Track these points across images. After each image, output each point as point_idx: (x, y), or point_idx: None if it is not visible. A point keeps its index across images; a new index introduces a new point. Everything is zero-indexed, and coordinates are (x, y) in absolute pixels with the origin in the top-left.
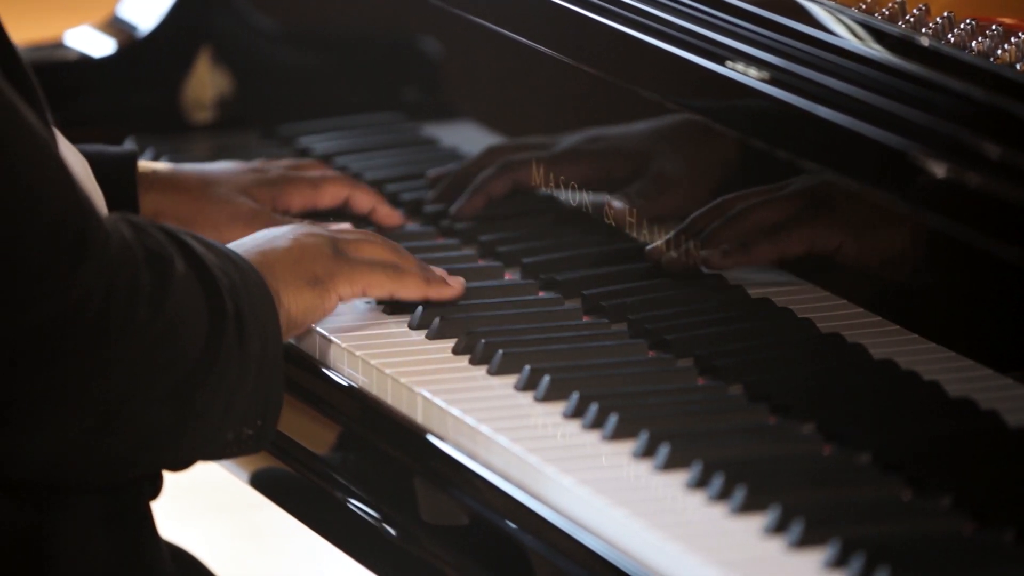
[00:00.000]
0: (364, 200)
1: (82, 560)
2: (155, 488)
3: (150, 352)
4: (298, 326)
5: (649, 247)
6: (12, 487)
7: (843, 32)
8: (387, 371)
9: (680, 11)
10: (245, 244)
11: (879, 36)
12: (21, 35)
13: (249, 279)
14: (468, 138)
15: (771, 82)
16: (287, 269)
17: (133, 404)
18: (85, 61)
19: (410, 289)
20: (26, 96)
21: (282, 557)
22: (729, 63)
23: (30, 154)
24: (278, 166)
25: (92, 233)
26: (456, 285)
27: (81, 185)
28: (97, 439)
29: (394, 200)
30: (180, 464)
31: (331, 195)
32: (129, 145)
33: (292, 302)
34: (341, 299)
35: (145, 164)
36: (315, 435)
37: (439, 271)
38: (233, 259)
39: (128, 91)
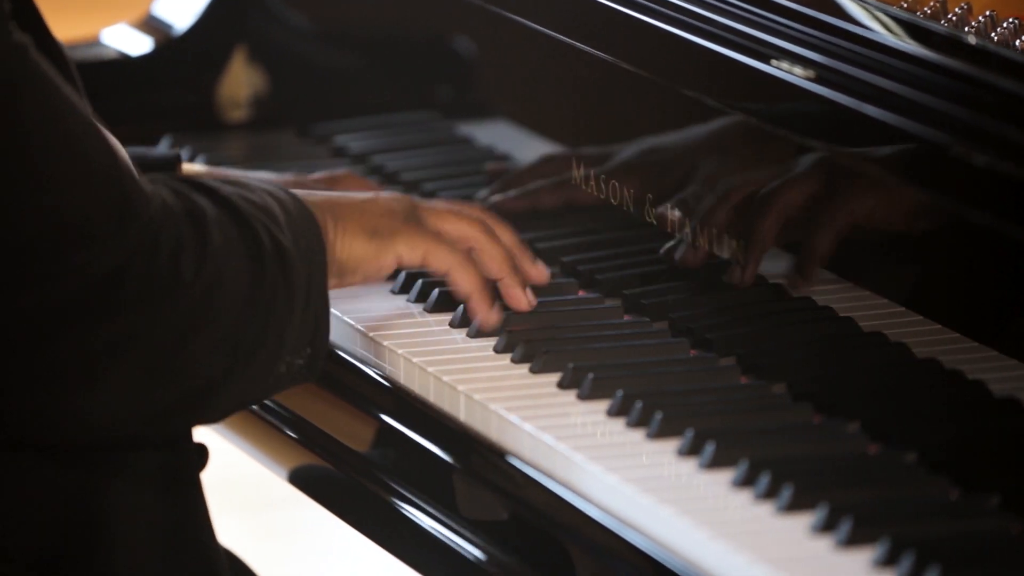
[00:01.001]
0: None
1: (136, 527)
2: (202, 458)
3: (197, 306)
4: (347, 271)
5: (667, 245)
6: (67, 454)
7: (886, 30)
8: (429, 370)
9: (723, 9)
10: (320, 192)
11: (924, 34)
12: (57, 33)
13: (293, 211)
14: (503, 137)
15: (817, 80)
16: (349, 213)
17: (184, 356)
18: (123, 60)
19: (463, 283)
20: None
21: (313, 555)
22: (774, 62)
23: (72, 122)
24: (313, 179)
25: (134, 195)
26: (496, 316)
27: (121, 152)
28: (151, 393)
29: (431, 198)
30: (230, 410)
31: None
32: (165, 144)
33: (343, 244)
34: (399, 260)
35: (186, 167)
36: (354, 432)
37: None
38: (272, 192)
39: (164, 90)
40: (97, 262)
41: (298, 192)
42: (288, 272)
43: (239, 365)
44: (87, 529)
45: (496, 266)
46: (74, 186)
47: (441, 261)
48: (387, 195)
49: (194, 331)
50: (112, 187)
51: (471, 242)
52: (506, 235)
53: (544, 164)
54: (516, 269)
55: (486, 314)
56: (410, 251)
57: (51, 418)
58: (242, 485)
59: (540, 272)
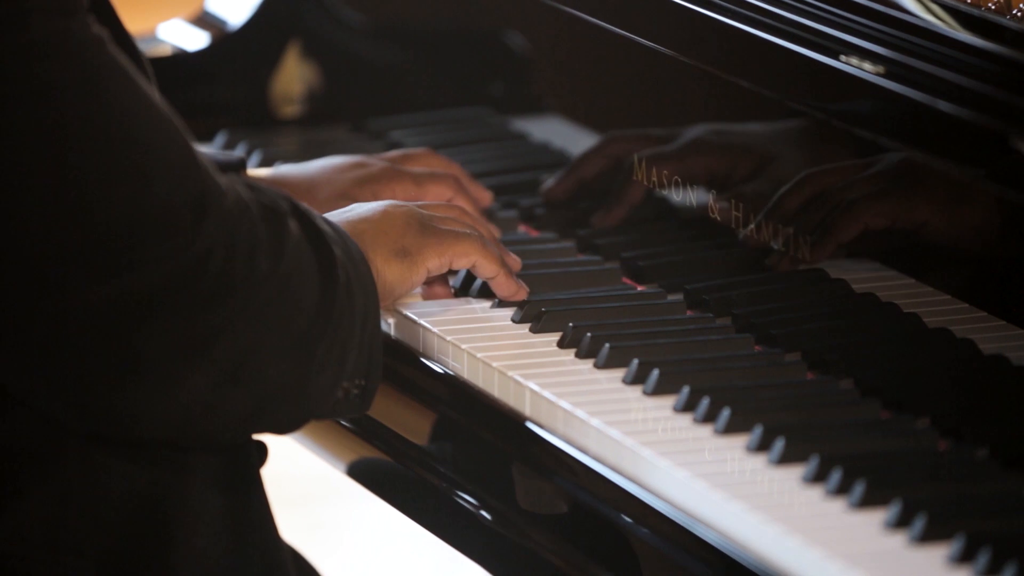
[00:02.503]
0: (467, 205)
1: (201, 523)
2: (262, 455)
3: (272, 304)
4: (387, 296)
5: (739, 237)
6: (136, 451)
7: (955, 25)
8: (494, 364)
9: (788, 4)
10: (334, 216)
11: (994, 29)
12: None
13: (347, 239)
14: (558, 133)
15: (887, 76)
16: (375, 238)
17: (258, 358)
18: (179, 55)
19: (489, 263)
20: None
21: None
22: (843, 57)
23: (149, 115)
24: (382, 159)
25: (211, 191)
26: (522, 287)
27: (196, 146)
28: (223, 394)
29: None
30: (297, 422)
31: (434, 195)
32: (220, 139)
33: (383, 270)
34: (429, 272)
35: (251, 172)
36: (415, 425)
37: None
38: (327, 220)
39: (220, 85)
40: (176, 255)
41: (328, 217)
42: (352, 294)
43: (310, 375)
44: (155, 525)
45: (492, 250)
46: (152, 178)
47: (467, 256)
48: (392, 207)
49: (268, 331)
50: (189, 180)
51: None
52: (492, 233)
53: (606, 147)
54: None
55: (513, 288)
56: (438, 261)
57: (119, 416)
58: (299, 479)
59: (515, 261)
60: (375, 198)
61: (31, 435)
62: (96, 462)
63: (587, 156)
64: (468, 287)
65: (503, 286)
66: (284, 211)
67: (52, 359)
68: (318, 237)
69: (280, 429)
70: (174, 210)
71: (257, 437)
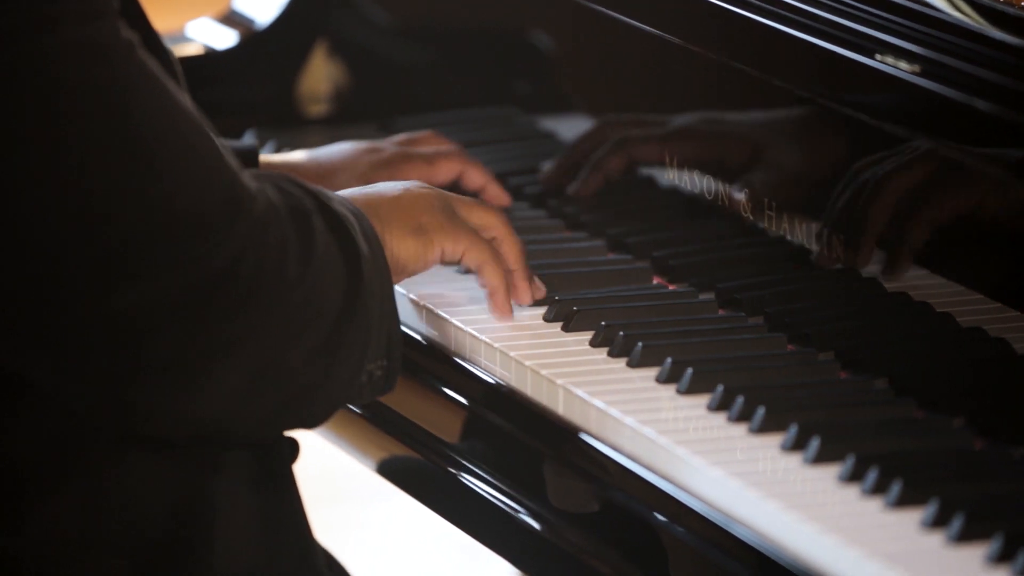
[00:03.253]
0: (476, 177)
1: (236, 520)
2: (294, 451)
3: (301, 306)
4: (400, 272)
5: (764, 236)
6: (170, 449)
7: (986, 24)
8: (527, 363)
9: (822, 3)
10: (353, 191)
11: None
12: None
13: (361, 218)
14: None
15: (923, 75)
16: (392, 213)
17: (287, 358)
18: (210, 54)
19: (490, 277)
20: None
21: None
22: (878, 56)
23: (179, 118)
24: (392, 143)
25: (241, 195)
26: (507, 312)
27: (226, 149)
28: (253, 393)
29: (517, 194)
30: (326, 414)
31: (445, 171)
32: (250, 138)
33: (392, 245)
34: (443, 255)
35: (264, 158)
36: (446, 423)
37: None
38: (343, 203)
39: (248, 84)
40: (209, 257)
41: (341, 194)
42: (370, 277)
43: (337, 367)
44: (190, 523)
45: (513, 257)
46: (183, 181)
47: (477, 256)
48: (419, 188)
49: (300, 330)
50: (220, 182)
51: (495, 230)
52: (515, 242)
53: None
54: (526, 264)
55: (506, 310)
56: (453, 246)
57: (157, 415)
58: (328, 478)
59: (506, 312)
60: (390, 180)
61: (65, 434)
62: (129, 461)
63: (606, 155)
64: None
65: (496, 304)
66: (310, 210)
67: (86, 360)
68: (343, 232)
69: (310, 423)
70: (205, 214)
71: (288, 434)
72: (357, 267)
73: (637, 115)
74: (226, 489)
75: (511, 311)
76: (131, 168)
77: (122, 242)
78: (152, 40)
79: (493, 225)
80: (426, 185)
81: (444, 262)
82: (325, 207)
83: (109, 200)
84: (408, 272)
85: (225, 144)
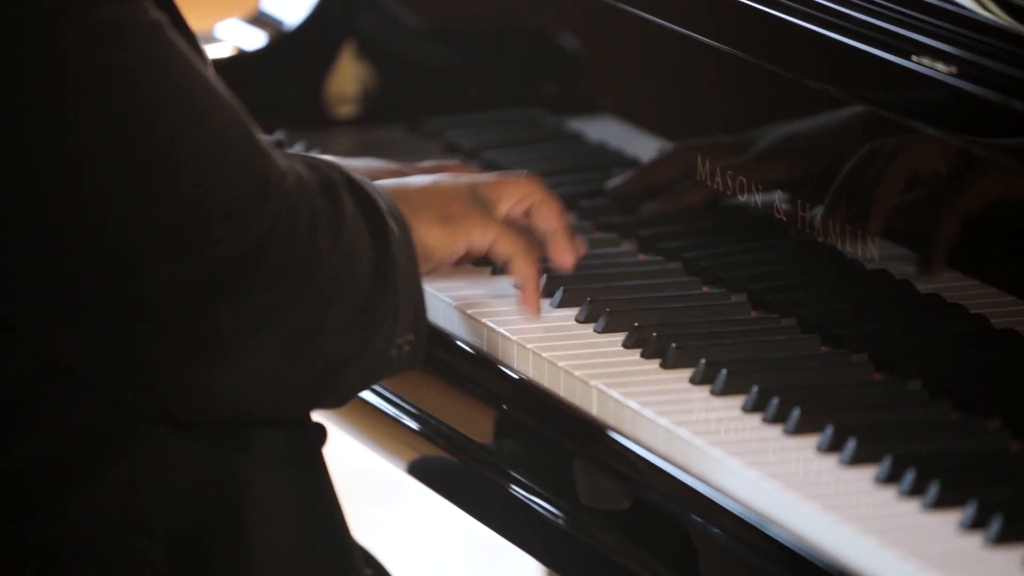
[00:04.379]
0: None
1: (270, 503)
2: (322, 435)
3: (334, 278)
4: (427, 260)
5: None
6: (203, 430)
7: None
8: (560, 364)
9: (856, 4)
10: (383, 181)
11: None
12: None
13: (388, 201)
14: (614, 133)
15: (960, 76)
16: (421, 202)
17: (322, 329)
18: (239, 54)
19: (524, 267)
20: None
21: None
22: (914, 57)
23: (208, 99)
24: (417, 168)
25: (273, 171)
26: (535, 306)
27: (255, 126)
28: (290, 367)
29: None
30: (358, 388)
31: None
32: (278, 139)
33: (424, 233)
34: (471, 246)
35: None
36: (478, 424)
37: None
38: (376, 187)
39: (278, 85)
40: (240, 235)
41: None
42: (396, 250)
43: (369, 340)
44: (224, 505)
45: (553, 219)
46: (214, 160)
47: (507, 248)
48: (449, 178)
49: (332, 303)
50: (250, 161)
51: (530, 198)
52: (555, 208)
53: (668, 159)
54: (568, 228)
55: (534, 303)
56: (482, 236)
57: (192, 394)
58: (359, 477)
59: (534, 307)
60: None
61: (99, 420)
62: (163, 444)
63: (656, 163)
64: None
65: (526, 296)
66: (338, 183)
67: (125, 342)
68: (370, 205)
69: (342, 398)
70: (239, 191)
71: (316, 418)
72: (385, 239)
73: (714, 140)
74: (258, 469)
75: (539, 307)
76: (158, 149)
77: (154, 226)
78: (179, 23)
79: (527, 192)
80: (457, 176)
81: (474, 253)
82: (351, 181)
83: (149, 180)
84: (435, 261)
85: (254, 123)
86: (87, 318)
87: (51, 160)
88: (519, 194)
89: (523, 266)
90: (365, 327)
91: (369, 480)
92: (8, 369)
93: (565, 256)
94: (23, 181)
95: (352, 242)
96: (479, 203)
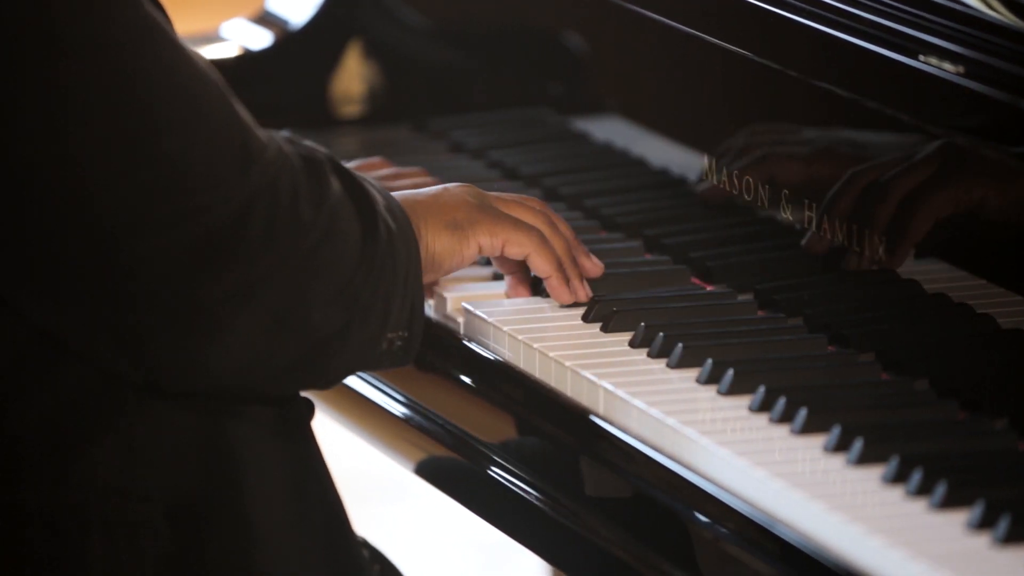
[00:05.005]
0: None
1: (263, 473)
2: (310, 410)
3: (316, 251)
4: (436, 267)
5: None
6: (193, 400)
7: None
8: (567, 363)
9: (864, 4)
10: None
11: None
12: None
13: (390, 198)
14: (620, 133)
15: (967, 75)
16: (427, 209)
17: (305, 304)
18: (245, 54)
19: (542, 262)
20: None
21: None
22: (922, 57)
23: (189, 70)
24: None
25: (252, 142)
26: (576, 292)
27: (236, 99)
28: (273, 341)
29: (553, 195)
30: (343, 372)
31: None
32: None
33: (428, 240)
34: (480, 249)
35: None
36: (486, 424)
37: (579, 271)
38: (369, 180)
39: (283, 84)
40: (221, 206)
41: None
42: (393, 243)
43: (355, 323)
44: (219, 473)
45: (562, 249)
46: (194, 130)
47: (521, 246)
48: (456, 186)
49: (314, 277)
50: (231, 131)
51: (538, 227)
52: (564, 228)
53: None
54: (573, 262)
55: (566, 293)
56: (491, 239)
57: (176, 365)
58: (366, 478)
59: (595, 266)
60: None
61: (94, 387)
62: (156, 412)
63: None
64: (539, 284)
65: (556, 289)
66: (323, 161)
67: (109, 312)
68: (357, 188)
69: (327, 380)
70: (220, 160)
71: (303, 394)
72: (373, 219)
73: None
74: (251, 443)
75: (571, 295)
76: (139, 120)
77: (135, 194)
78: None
79: (535, 222)
80: (465, 184)
81: (487, 255)
82: (338, 164)
83: (121, 153)
84: (445, 268)
85: (236, 98)
86: (73, 287)
87: (38, 126)
88: (527, 218)
89: (540, 263)
90: (349, 310)
91: (375, 480)
92: (2, 336)
93: (563, 295)
94: (9, 149)
95: (335, 217)
96: (487, 209)
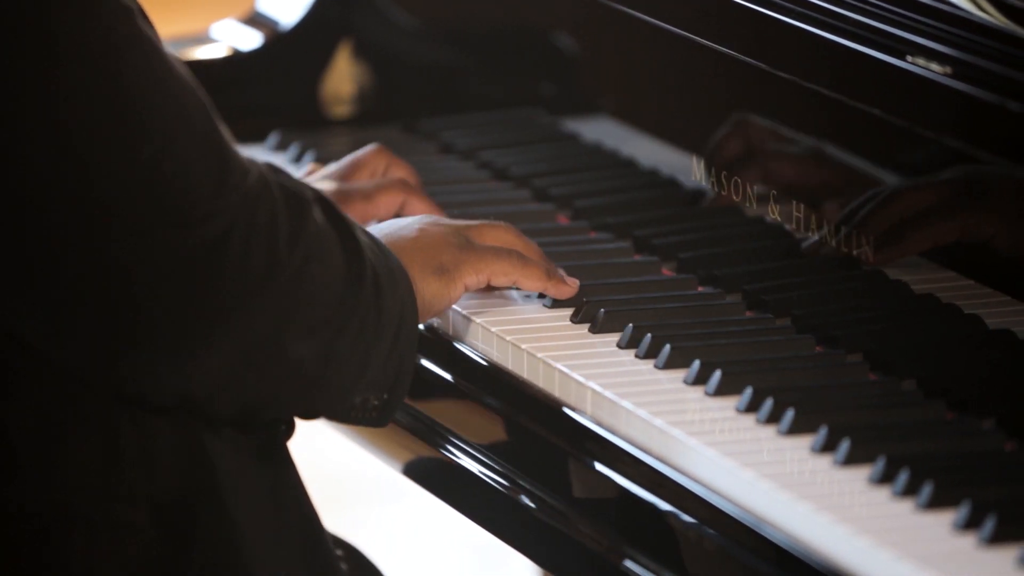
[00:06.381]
0: (419, 206)
1: (242, 482)
2: (289, 430)
3: (290, 288)
4: (427, 312)
5: (808, 243)
6: (171, 411)
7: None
8: (555, 364)
9: (851, 4)
10: (371, 231)
11: None
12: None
13: (384, 249)
14: (610, 133)
15: (955, 76)
16: (414, 256)
17: (275, 341)
18: (235, 55)
19: (532, 279)
20: None
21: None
22: (909, 57)
23: (175, 84)
24: (329, 178)
25: (233, 162)
26: (573, 285)
27: (220, 122)
28: (236, 375)
29: (543, 196)
30: (310, 413)
31: (386, 205)
32: (272, 140)
33: (422, 287)
34: (467, 288)
35: None
36: (476, 427)
37: (558, 269)
38: (366, 231)
39: (272, 85)
40: (199, 225)
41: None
42: (380, 291)
43: (329, 369)
44: (202, 481)
45: (537, 265)
46: (175, 143)
47: (507, 274)
48: (429, 223)
49: (285, 316)
50: (212, 149)
51: (514, 249)
52: (535, 249)
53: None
54: (547, 259)
55: (567, 291)
56: (476, 277)
57: (145, 383)
58: (347, 478)
59: (572, 286)
60: None
61: (81, 387)
62: (140, 416)
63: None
64: None
65: (555, 293)
66: (308, 198)
67: (74, 324)
68: (345, 228)
69: (292, 415)
70: (194, 179)
71: None
72: (359, 263)
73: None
74: (228, 455)
75: (571, 289)
76: (122, 130)
77: (112, 199)
78: (143, 15)
79: (509, 243)
80: (438, 220)
81: (472, 291)
82: (324, 201)
83: (100, 156)
84: (433, 311)
85: (221, 121)
86: (46, 294)
87: (18, 130)
88: (503, 240)
89: (529, 283)
90: (321, 350)
91: (371, 480)
92: None
93: (563, 296)
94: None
95: (313, 256)
96: (468, 246)
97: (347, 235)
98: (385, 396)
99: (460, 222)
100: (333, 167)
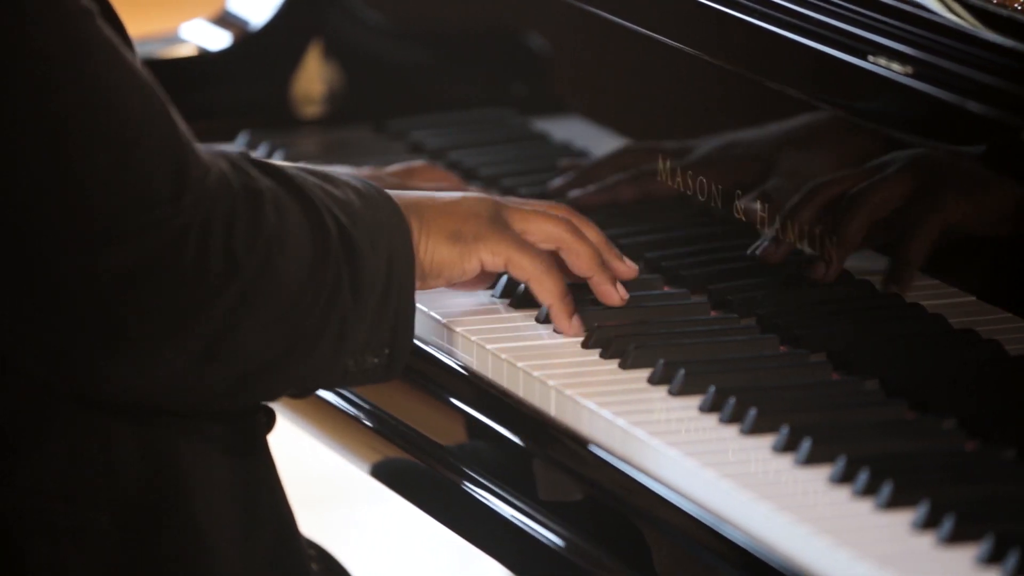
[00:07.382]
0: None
1: (211, 485)
2: (270, 421)
3: (252, 285)
4: (430, 275)
5: (763, 244)
6: (140, 414)
7: (979, 25)
8: (519, 364)
9: (813, 4)
10: (406, 192)
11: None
12: (134, 30)
13: (377, 207)
14: (580, 133)
15: (915, 76)
16: (434, 215)
17: (237, 333)
18: (204, 55)
19: (543, 293)
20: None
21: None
22: (871, 57)
23: (133, 86)
24: (389, 172)
25: (192, 164)
26: (576, 325)
27: (180, 121)
28: (202, 370)
29: (511, 195)
30: (299, 391)
31: None
32: (242, 140)
33: (427, 247)
34: (483, 265)
35: None
36: (440, 425)
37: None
38: (359, 188)
39: (241, 85)
40: (156, 230)
41: (392, 193)
42: (355, 264)
43: (297, 351)
44: (167, 484)
45: (585, 264)
46: (133, 147)
47: (522, 270)
48: (473, 196)
49: (246, 309)
50: (170, 152)
51: (557, 243)
52: (592, 233)
53: (623, 156)
54: (605, 266)
55: (566, 325)
56: (492, 257)
57: (101, 384)
58: (322, 480)
59: (629, 268)
60: None
61: (40, 391)
62: (104, 421)
63: (620, 181)
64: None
65: (556, 317)
66: (268, 189)
67: (40, 329)
68: (311, 208)
69: (270, 398)
70: (154, 182)
71: (265, 403)
72: (325, 247)
73: (656, 144)
74: (199, 456)
75: (571, 327)
76: (79, 133)
77: (75, 210)
78: (110, 14)
79: (553, 236)
80: (486, 196)
81: (490, 272)
82: (292, 184)
83: (65, 167)
84: (444, 278)
85: (182, 120)
86: (9, 304)
87: None
88: (545, 233)
89: (541, 289)
90: (290, 336)
91: (348, 481)
92: None
93: (608, 299)
94: None
95: (275, 249)
96: (495, 222)
97: (315, 219)
98: (387, 351)
99: (513, 200)
100: (391, 169)
